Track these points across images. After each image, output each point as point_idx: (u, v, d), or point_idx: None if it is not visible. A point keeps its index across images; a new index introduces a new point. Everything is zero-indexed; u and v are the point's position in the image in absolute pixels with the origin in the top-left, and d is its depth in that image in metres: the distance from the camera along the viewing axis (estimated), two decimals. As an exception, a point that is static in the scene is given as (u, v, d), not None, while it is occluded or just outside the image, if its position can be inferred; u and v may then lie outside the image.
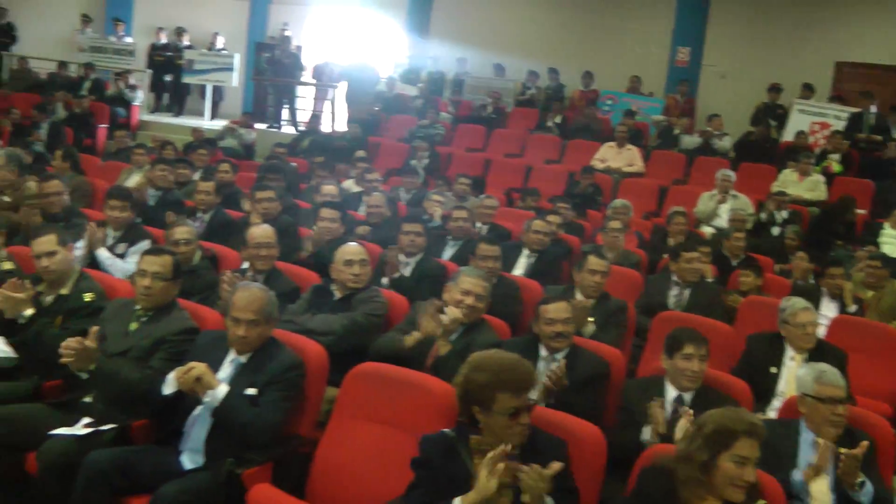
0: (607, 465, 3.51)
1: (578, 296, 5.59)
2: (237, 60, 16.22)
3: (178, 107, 16.86)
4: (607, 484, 3.53)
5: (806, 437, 3.85)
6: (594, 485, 3.47)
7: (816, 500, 3.60)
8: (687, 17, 15.08)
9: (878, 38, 13.77)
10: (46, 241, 4.69)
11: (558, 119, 13.33)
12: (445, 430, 3.26)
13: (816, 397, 3.82)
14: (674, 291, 6.42)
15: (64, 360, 3.84)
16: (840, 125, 12.20)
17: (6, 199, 6.74)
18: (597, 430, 3.55)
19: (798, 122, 12.41)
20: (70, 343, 3.84)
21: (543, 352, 4.48)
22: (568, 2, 16.00)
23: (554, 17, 16.03)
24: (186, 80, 16.38)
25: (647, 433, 3.95)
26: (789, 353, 5.07)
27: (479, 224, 7.88)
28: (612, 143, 11.83)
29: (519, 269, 6.91)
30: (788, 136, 12.33)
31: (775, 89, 13.05)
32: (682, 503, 2.99)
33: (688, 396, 4.15)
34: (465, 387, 3.16)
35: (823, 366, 3.99)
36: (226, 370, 3.93)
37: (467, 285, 4.68)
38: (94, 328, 4.00)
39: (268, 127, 15.27)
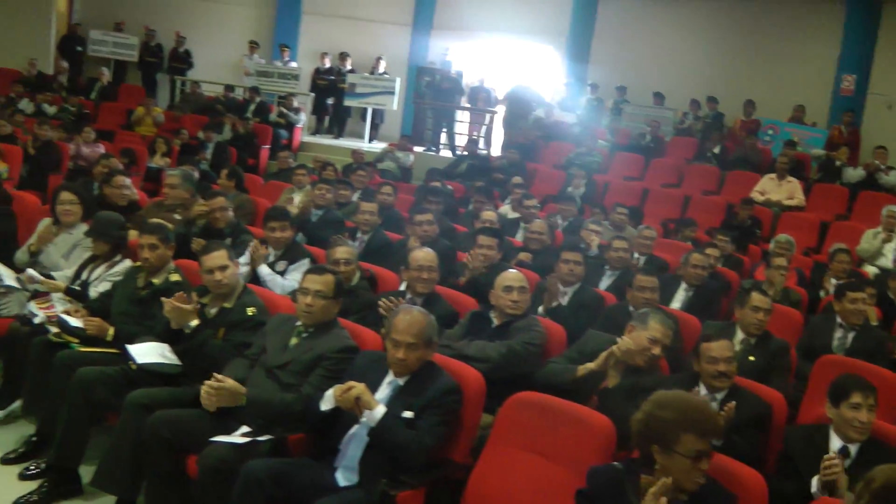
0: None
1: (739, 334, 5.46)
2: (398, 84, 16.57)
3: (338, 129, 17.36)
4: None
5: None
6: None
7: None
8: (854, 44, 14.61)
9: None
10: (219, 256, 4.88)
11: (717, 149, 13.09)
12: (615, 463, 3.24)
13: None
14: (838, 334, 6.16)
15: (208, 405, 4.02)
16: None
17: (177, 216, 7.06)
18: (760, 478, 3.47)
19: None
20: (208, 391, 4.01)
21: (703, 391, 4.38)
22: (730, 29, 15.68)
23: (715, 44, 15.75)
24: (348, 103, 16.84)
25: (815, 485, 3.80)
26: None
27: (636, 255, 7.81)
28: (772, 175, 11.54)
29: (676, 303, 6.82)
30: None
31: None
32: None
33: (853, 448, 3.99)
34: (646, 423, 3.11)
35: None
36: (383, 391, 3.99)
37: (658, 334, 4.60)
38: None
39: (425, 150, 15.52)
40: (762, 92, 14.51)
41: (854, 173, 11.89)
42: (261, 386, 4.29)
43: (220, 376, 4.11)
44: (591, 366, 4.54)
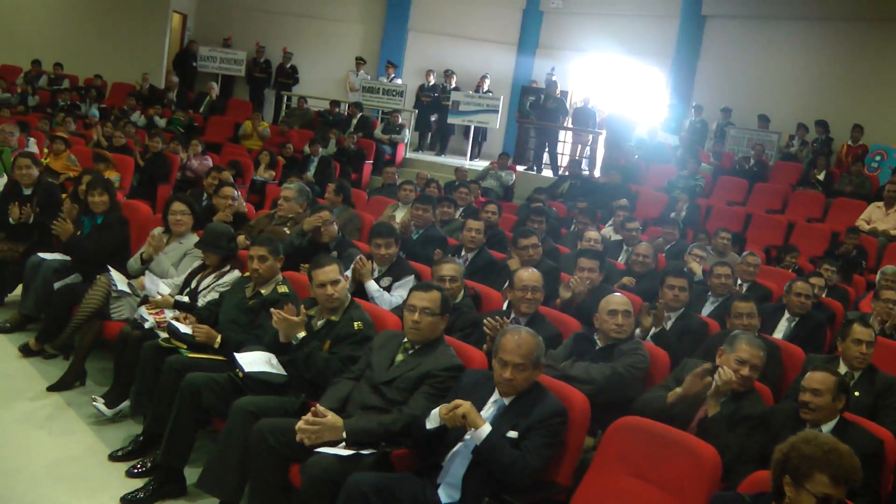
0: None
1: (843, 367, 5.30)
2: (501, 103, 16.65)
3: (441, 146, 17.51)
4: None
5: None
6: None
7: None
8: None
9: None
10: (331, 271, 4.96)
11: (822, 175, 12.77)
12: (743, 493, 3.20)
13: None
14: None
15: (303, 440, 4.01)
16: None
17: (286, 229, 7.17)
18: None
19: None
20: (304, 427, 4.00)
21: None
22: (839, 51, 15.33)
23: (824, 66, 15.42)
24: (451, 120, 17.01)
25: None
26: None
27: (739, 281, 7.66)
28: (879, 203, 11.23)
29: (779, 332, 6.71)
30: None
31: None
32: None
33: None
34: (787, 454, 3.09)
35: None
36: (488, 410, 4.01)
37: (745, 355, 4.54)
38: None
39: (526, 169, 15.53)
40: (871, 116, 14.17)
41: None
42: (365, 401, 4.34)
43: (320, 408, 4.11)
44: (678, 391, 4.49)
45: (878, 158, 13.32)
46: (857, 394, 5.09)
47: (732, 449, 4.04)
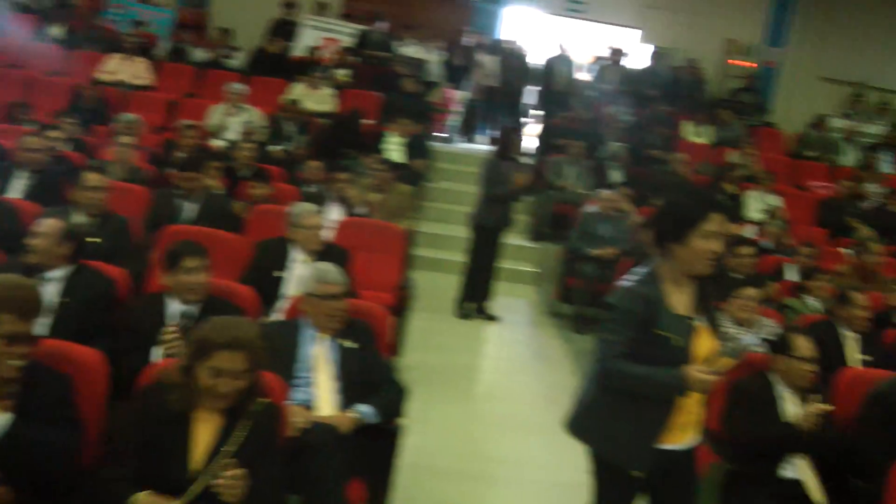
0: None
1: (79, 216, 5.20)
2: None
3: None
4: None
5: (306, 333, 3.94)
6: (98, 409, 3.31)
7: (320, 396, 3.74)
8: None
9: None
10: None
11: (61, 29, 12.33)
12: None
13: (316, 295, 3.92)
14: (184, 205, 6.26)
15: None
16: (349, 41, 12.66)
17: None
18: (98, 356, 3.38)
19: (309, 38, 12.68)
20: None
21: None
22: None
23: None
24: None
25: (157, 353, 3.81)
26: (298, 256, 5.20)
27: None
28: (120, 55, 11.19)
29: (15, 192, 6.34)
30: (300, 50, 12.52)
31: (289, 5, 13.14)
32: (180, 411, 2.92)
33: (195, 308, 4.05)
34: None
35: (323, 265, 4.12)
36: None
37: None
38: None
39: None
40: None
41: (201, 53, 12.11)
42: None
43: None
44: None
45: (117, 11, 13.19)
46: (97, 240, 5.06)
47: None
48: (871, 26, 14.45)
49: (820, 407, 3.79)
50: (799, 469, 3.85)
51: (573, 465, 3.23)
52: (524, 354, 7.62)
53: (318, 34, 12.77)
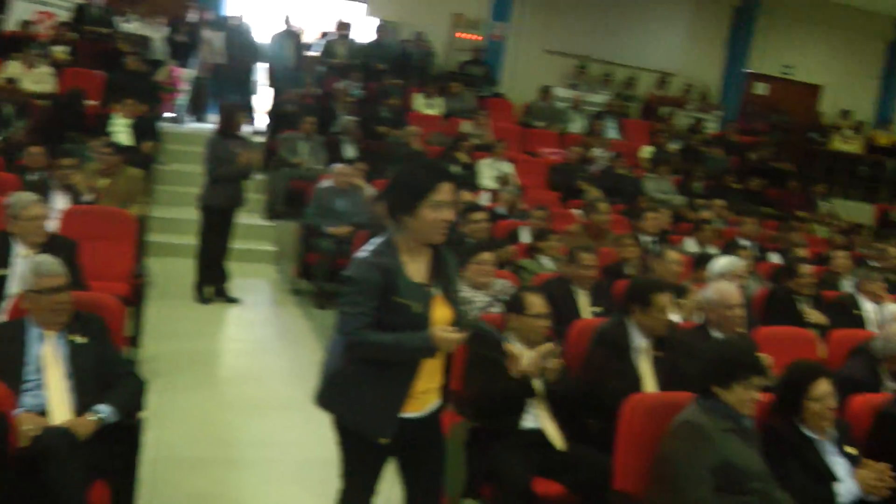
0: None
1: None
2: None
3: None
4: None
5: (32, 333, 3.72)
6: None
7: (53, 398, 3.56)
8: None
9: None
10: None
11: None
12: None
13: (36, 290, 3.71)
14: None
15: None
16: (66, 16, 11.97)
17: None
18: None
19: (21, 10, 11.87)
20: None
21: None
22: None
23: None
24: None
25: None
26: (20, 250, 4.88)
27: None
28: None
29: None
30: (12, 24, 11.71)
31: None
32: None
33: None
34: None
35: (40, 258, 3.89)
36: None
37: None
38: None
39: None
40: None
41: None
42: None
43: None
44: None
45: None
46: None
47: None
48: (593, 2, 15.42)
49: (543, 351, 3.94)
50: (539, 418, 4.07)
51: (326, 440, 3.24)
52: (268, 334, 7.55)
53: (30, 7, 11.96)
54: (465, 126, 11.90)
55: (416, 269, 3.06)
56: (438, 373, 3.17)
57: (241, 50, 12.59)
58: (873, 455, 3.84)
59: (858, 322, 6.39)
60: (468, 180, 9.93)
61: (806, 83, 17.19)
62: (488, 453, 3.88)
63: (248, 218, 9.25)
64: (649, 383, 4.33)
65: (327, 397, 3.12)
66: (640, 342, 4.44)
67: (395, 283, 2.97)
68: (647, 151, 13.13)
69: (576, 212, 9.12)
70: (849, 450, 3.71)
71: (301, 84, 12.00)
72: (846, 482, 3.55)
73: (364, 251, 3.06)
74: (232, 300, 7.87)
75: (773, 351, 4.76)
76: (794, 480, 3.50)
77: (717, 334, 4.66)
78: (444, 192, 2.98)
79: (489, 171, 10.64)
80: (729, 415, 3.39)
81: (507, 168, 10.77)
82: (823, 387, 3.59)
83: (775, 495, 3.38)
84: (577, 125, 13.71)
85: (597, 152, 12.20)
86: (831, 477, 3.58)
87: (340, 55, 13.11)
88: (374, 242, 3.08)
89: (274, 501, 4.53)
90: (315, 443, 4.75)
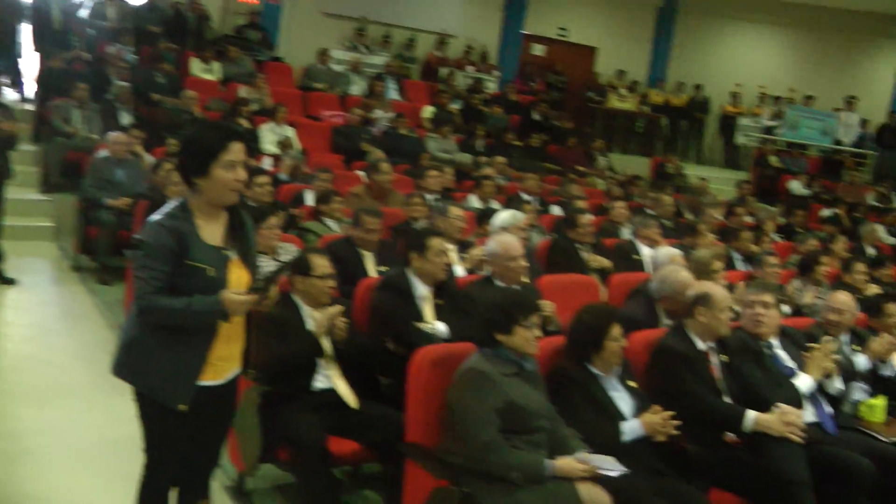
0: None
1: None
2: None
3: None
4: None
5: None
6: None
7: None
8: None
9: None
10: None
11: None
12: None
13: None
14: None
15: None
16: None
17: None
18: None
19: None
20: None
21: None
22: None
23: None
24: None
25: None
26: None
27: None
28: None
29: None
30: None
31: None
32: None
33: None
34: None
35: None
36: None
37: None
38: None
39: None
40: None
41: None
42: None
43: None
44: None
45: None
46: None
47: None
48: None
49: (331, 312, 4.07)
50: (331, 378, 4.13)
51: (121, 419, 3.16)
52: (51, 315, 7.21)
53: None
54: (244, 91, 11.71)
55: (211, 232, 3.04)
56: (238, 339, 3.17)
57: (2, 9, 11.75)
58: (651, 384, 4.21)
59: (637, 266, 6.84)
60: (251, 146, 9.79)
61: (581, 45, 17.91)
62: (282, 417, 3.92)
63: (21, 192, 8.80)
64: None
65: (124, 366, 3.06)
66: (421, 290, 4.64)
67: (188, 246, 2.94)
68: (428, 112, 13.36)
69: (359, 173, 9.20)
70: (630, 383, 3.99)
71: (69, 48, 11.41)
72: (630, 421, 3.80)
73: (157, 214, 3.01)
74: (8, 281, 7.45)
75: (558, 297, 5.06)
76: (581, 417, 3.73)
77: (501, 285, 4.86)
78: (235, 151, 2.97)
79: (271, 136, 10.56)
80: (511, 360, 3.56)
81: (289, 132, 10.72)
82: (618, 328, 3.85)
83: (562, 432, 3.60)
84: (357, 88, 13.75)
85: (378, 114, 12.31)
86: (617, 412, 3.84)
87: (111, 17, 12.55)
88: (169, 206, 3.04)
89: (59, 490, 4.32)
90: (110, 423, 4.63)
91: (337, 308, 4.06)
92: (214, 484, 3.47)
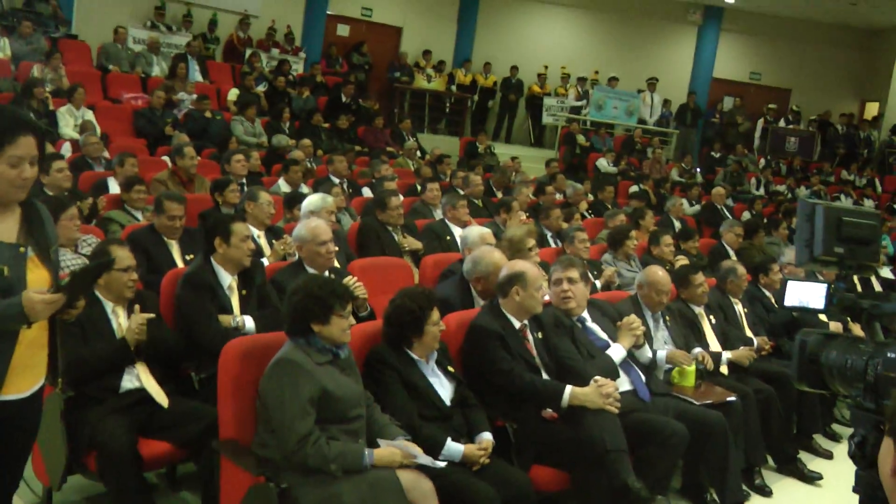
0: None
1: None
2: None
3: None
4: None
5: None
6: None
7: None
8: None
9: None
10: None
11: None
12: None
13: None
14: None
15: None
16: None
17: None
18: None
19: None
20: None
21: None
22: None
23: None
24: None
25: None
26: None
27: None
28: None
29: None
30: None
31: None
32: None
33: None
34: None
35: None
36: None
37: None
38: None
39: None
40: None
41: None
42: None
43: None
44: None
45: None
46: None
47: None
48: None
49: (137, 319, 3.93)
50: (140, 377, 3.96)
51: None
52: None
53: None
54: (38, 70, 11.11)
55: (2, 228, 2.76)
56: (42, 346, 2.90)
57: None
58: (467, 364, 4.30)
59: (450, 246, 6.94)
60: (48, 130, 9.33)
61: (386, 24, 17.95)
62: (88, 422, 3.72)
63: None
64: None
65: None
66: (227, 280, 4.51)
67: None
68: (233, 94, 13.09)
69: (164, 158, 8.93)
70: (450, 369, 4.05)
71: None
72: (449, 445, 3.76)
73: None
74: None
75: (371, 280, 5.05)
76: (399, 403, 3.77)
77: (312, 270, 4.82)
78: (23, 146, 2.69)
79: (69, 119, 10.09)
80: (325, 348, 3.50)
81: (88, 115, 10.26)
82: (437, 312, 3.90)
83: (380, 419, 3.63)
84: (158, 69, 13.32)
85: (182, 96, 11.96)
86: (436, 396, 3.89)
87: None
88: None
89: None
90: None
91: (146, 315, 3.94)
92: (17, 502, 3.24)
